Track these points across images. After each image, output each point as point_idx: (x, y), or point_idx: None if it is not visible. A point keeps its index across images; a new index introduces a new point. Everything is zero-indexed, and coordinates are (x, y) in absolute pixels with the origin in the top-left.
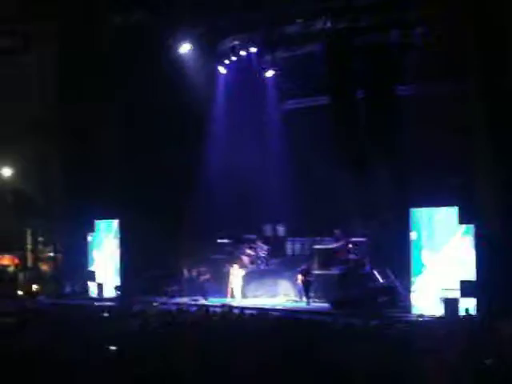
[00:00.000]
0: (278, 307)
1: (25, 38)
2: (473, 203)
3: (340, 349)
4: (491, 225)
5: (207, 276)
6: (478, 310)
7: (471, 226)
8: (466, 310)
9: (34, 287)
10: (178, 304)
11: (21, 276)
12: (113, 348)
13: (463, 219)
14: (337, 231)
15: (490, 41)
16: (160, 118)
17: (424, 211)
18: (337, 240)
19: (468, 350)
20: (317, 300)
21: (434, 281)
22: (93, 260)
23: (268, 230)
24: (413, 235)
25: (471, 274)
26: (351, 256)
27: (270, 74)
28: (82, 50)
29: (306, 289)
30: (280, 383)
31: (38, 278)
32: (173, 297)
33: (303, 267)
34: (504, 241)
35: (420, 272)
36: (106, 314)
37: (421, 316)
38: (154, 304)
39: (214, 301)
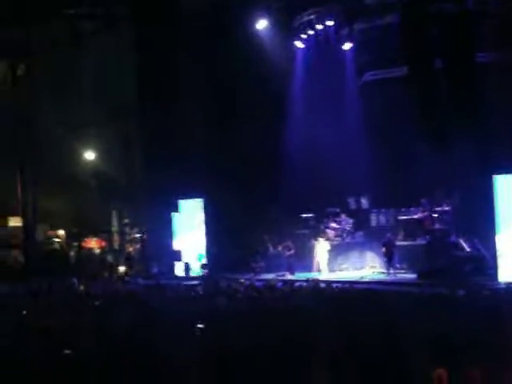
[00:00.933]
0: (364, 279)
1: (106, 21)
2: None
3: (428, 319)
4: None
5: (292, 251)
6: None
7: None
8: None
9: (122, 269)
10: (264, 280)
11: (108, 258)
12: (199, 326)
13: None
14: (422, 200)
15: None
16: (239, 95)
17: (508, 178)
18: (421, 210)
19: None
20: (403, 271)
21: None
22: (179, 239)
23: (352, 202)
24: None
25: None
26: (436, 225)
27: (347, 46)
28: (159, 30)
29: (391, 259)
30: (375, 356)
31: (126, 259)
32: (259, 273)
33: (387, 238)
34: None
35: (507, 239)
36: (193, 293)
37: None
38: (241, 281)
39: (300, 275)
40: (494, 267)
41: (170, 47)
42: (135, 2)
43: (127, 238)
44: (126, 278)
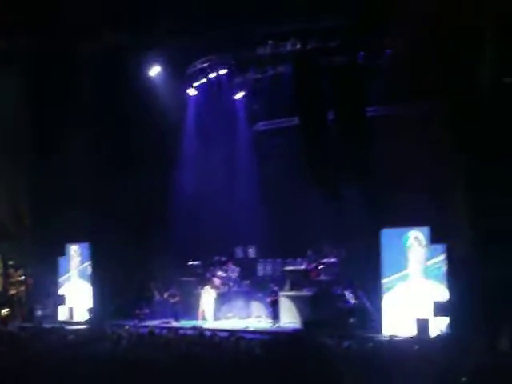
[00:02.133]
0: (249, 329)
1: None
2: (445, 223)
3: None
4: (463, 244)
5: (178, 298)
6: (450, 330)
7: (443, 246)
8: (440, 330)
9: (4, 311)
10: (148, 327)
11: None
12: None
13: (436, 238)
14: (309, 252)
15: (456, 62)
16: (130, 141)
17: (395, 232)
18: (308, 261)
19: (443, 369)
20: (288, 321)
21: (405, 301)
22: (63, 284)
23: (239, 251)
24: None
25: (444, 295)
26: (322, 277)
27: (239, 95)
28: (52, 72)
29: (276, 309)
30: None
31: (8, 301)
32: (144, 319)
33: (272, 288)
34: (476, 260)
35: (392, 292)
36: (74, 338)
37: (392, 336)
38: (126, 327)
39: (185, 323)
40: (378, 320)
41: (62, 90)
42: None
43: (11, 280)
44: (8, 321)
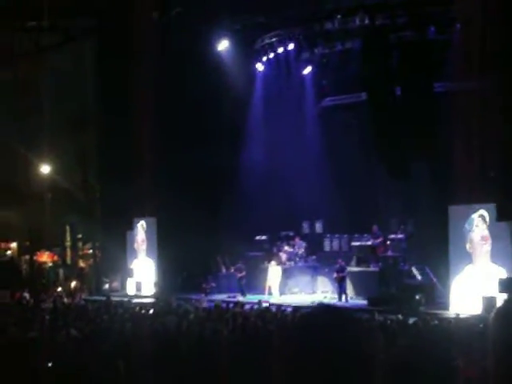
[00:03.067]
0: (314, 304)
1: (65, 33)
2: (511, 200)
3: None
4: None
5: (244, 273)
6: None
7: (508, 224)
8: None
9: (73, 284)
10: (215, 301)
11: (60, 273)
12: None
13: (502, 216)
14: (375, 227)
15: None
16: (199, 116)
17: (462, 208)
18: (375, 237)
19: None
20: (354, 297)
21: (472, 278)
22: (131, 258)
23: (306, 227)
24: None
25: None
26: (389, 253)
27: (307, 70)
28: (120, 46)
29: (342, 285)
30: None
31: (77, 274)
32: (211, 293)
33: (339, 264)
34: None
35: (459, 270)
36: (143, 311)
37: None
38: (192, 301)
39: (251, 298)
40: (445, 297)
41: (128, 63)
42: (97, 16)
43: (80, 253)
44: (78, 293)
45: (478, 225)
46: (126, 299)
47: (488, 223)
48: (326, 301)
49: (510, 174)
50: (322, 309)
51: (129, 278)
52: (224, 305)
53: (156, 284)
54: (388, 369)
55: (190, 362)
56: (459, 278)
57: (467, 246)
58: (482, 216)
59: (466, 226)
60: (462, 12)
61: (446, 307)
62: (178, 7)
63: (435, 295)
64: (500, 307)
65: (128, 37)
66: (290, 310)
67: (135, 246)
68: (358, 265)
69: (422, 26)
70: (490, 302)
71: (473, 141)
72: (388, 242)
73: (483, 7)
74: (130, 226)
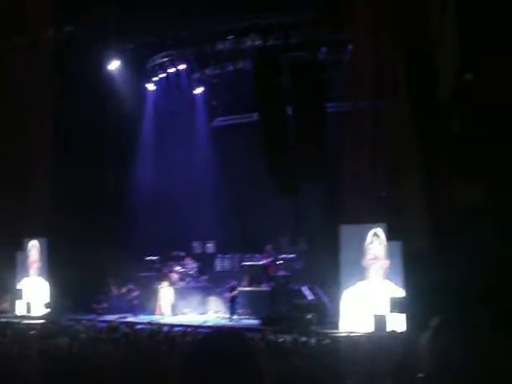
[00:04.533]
0: (207, 324)
1: None
2: (401, 220)
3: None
4: (419, 241)
5: (136, 293)
6: (406, 327)
7: (399, 243)
8: (392, 326)
9: None
10: (106, 321)
11: None
12: None
13: (392, 235)
14: (268, 247)
15: (417, 60)
16: (87, 136)
17: (354, 228)
18: (267, 256)
19: (398, 365)
20: (246, 316)
21: (364, 297)
22: (21, 279)
23: (197, 246)
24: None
25: (400, 291)
26: (280, 272)
27: (199, 91)
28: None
29: (234, 305)
30: None
31: None
32: (102, 314)
33: (230, 284)
34: (431, 257)
35: (350, 289)
36: (33, 332)
37: (349, 333)
38: (83, 322)
39: (143, 318)
40: (336, 316)
41: (14, 81)
42: None
43: None
44: None
45: (373, 242)
46: (15, 320)
47: (382, 242)
48: (218, 320)
49: (400, 194)
50: (216, 331)
51: (18, 300)
52: (115, 325)
53: (47, 305)
54: None
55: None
56: (350, 296)
57: (363, 263)
58: (376, 234)
59: (361, 242)
60: (353, 34)
61: (337, 326)
62: (69, 26)
63: (326, 314)
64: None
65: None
66: (181, 329)
67: (26, 266)
68: (249, 284)
69: (313, 47)
70: (380, 320)
71: (363, 161)
72: (279, 262)
73: (374, 30)
74: (21, 247)
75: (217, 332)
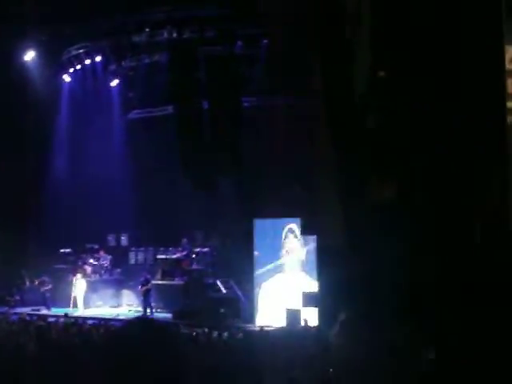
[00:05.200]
0: (120, 317)
1: None
2: (315, 215)
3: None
4: (332, 236)
5: (49, 286)
6: (318, 321)
7: (313, 237)
8: (305, 320)
9: None
10: (19, 314)
11: None
12: None
13: (305, 230)
14: (183, 241)
15: (331, 55)
16: (4, 126)
17: (269, 222)
18: (180, 250)
19: (310, 359)
20: (159, 310)
21: (279, 291)
22: None
23: (111, 239)
24: (256, 253)
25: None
26: (194, 266)
27: (115, 83)
28: None
29: (147, 298)
30: None
31: None
32: (14, 307)
33: (144, 277)
34: (344, 252)
35: (264, 283)
36: None
37: (263, 327)
38: None
39: (56, 310)
40: (250, 310)
41: None
42: None
43: None
44: None
45: (288, 237)
46: None
47: (297, 235)
48: (130, 314)
49: (314, 190)
50: (138, 322)
51: None
52: (28, 318)
53: None
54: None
55: None
56: (267, 290)
57: (279, 257)
58: (290, 229)
59: (276, 236)
60: (267, 28)
61: (252, 320)
62: None
63: (240, 308)
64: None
65: None
66: (95, 323)
67: None
68: (162, 278)
69: (229, 41)
70: (293, 314)
71: (278, 156)
72: (194, 256)
73: (285, 24)
74: None
75: (130, 321)
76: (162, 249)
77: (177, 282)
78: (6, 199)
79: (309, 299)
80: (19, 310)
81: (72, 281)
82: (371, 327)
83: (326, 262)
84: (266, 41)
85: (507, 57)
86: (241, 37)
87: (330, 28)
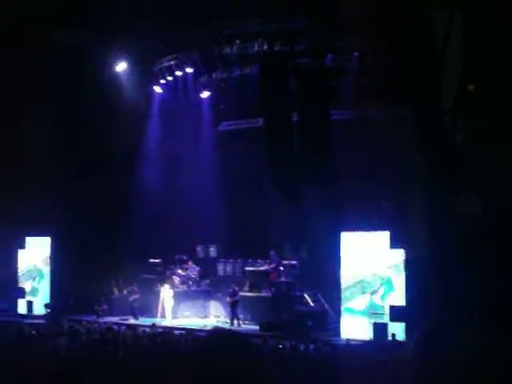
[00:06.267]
0: (207, 328)
1: None
2: (404, 228)
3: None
4: (421, 249)
5: (137, 295)
6: (406, 335)
7: (402, 251)
8: (393, 334)
9: None
10: (107, 323)
11: None
12: None
13: (394, 243)
14: (271, 253)
15: (422, 68)
16: (95, 138)
17: (356, 235)
18: (268, 262)
19: (397, 374)
20: (247, 322)
21: (364, 305)
22: (23, 277)
23: (200, 250)
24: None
25: (401, 299)
26: (282, 279)
27: (205, 94)
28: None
29: (235, 310)
30: None
31: None
32: (102, 316)
33: (232, 288)
34: (433, 265)
35: (351, 296)
36: (34, 332)
37: (349, 340)
38: (83, 323)
39: (144, 320)
40: (337, 323)
41: (21, 82)
42: None
43: None
44: None
45: (375, 249)
46: (16, 319)
47: (384, 248)
48: (218, 325)
49: (402, 204)
50: (218, 333)
51: (19, 299)
52: (116, 327)
53: (47, 305)
54: None
55: None
56: (351, 303)
57: (363, 268)
58: (377, 242)
59: (362, 249)
60: (357, 42)
61: (337, 333)
62: (77, 29)
63: (326, 321)
64: (424, 333)
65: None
66: (182, 333)
67: (27, 264)
68: (250, 290)
69: (319, 54)
70: (380, 328)
71: (366, 169)
72: (281, 268)
73: (380, 40)
74: (22, 245)
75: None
76: (250, 261)
77: (264, 294)
78: (97, 209)
79: (396, 313)
80: (107, 319)
81: (160, 291)
82: (458, 339)
83: (414, 275)
84: (356, 54)
85: None
86: (331, 49)
87: (421, 40)
